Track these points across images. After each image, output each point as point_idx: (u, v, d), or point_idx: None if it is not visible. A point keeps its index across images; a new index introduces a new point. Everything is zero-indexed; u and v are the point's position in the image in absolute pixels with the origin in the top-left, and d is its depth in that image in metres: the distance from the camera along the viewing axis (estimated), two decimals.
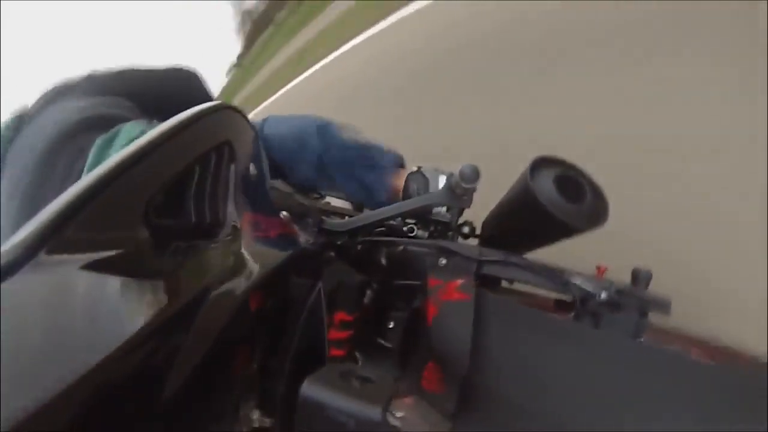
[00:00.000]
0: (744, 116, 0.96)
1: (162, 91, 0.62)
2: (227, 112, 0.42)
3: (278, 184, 0.74)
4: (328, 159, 0.66)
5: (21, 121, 0.54)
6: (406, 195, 0.64)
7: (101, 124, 0.51)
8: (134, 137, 0.49)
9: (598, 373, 0.36)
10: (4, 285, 0.22)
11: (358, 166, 0.66)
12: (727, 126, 0.99)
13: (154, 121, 0.53)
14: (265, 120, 0.70)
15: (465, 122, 1.80)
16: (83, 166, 0.48)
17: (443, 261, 0.49)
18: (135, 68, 0.65)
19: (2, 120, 0.55)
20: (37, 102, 0.56)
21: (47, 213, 0.26)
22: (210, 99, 0.73)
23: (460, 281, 0.44)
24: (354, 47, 4.12)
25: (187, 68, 0.69)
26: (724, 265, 0.87)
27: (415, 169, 0.65)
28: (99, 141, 0.49)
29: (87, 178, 0.28)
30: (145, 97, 0.59)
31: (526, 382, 0.38)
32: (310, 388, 0.32)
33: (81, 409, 0.23)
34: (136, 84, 0.62)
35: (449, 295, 0.43)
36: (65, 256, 0.26)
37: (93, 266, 0.27)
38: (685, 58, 1.16)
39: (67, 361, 0.23)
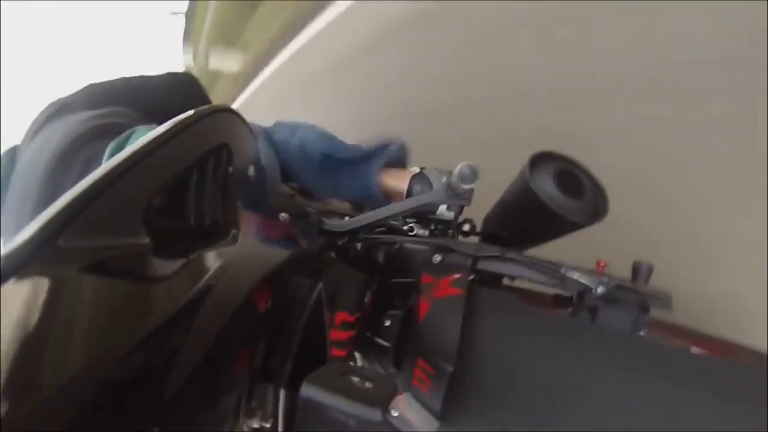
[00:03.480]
0: (745, 111, 0.95)
1: (160, 97, 0.62)
2: (224, 115, 0.42)
3: (282, 185, 0.74)
4: (327, 163, 0.67)
5: (17, 148, 0.54)
6: (410, 196, 0.64)
7: (108, 133, 0.51)
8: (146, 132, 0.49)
9: (594, 369, 0.36)
10: (4, 286, 0.22)
11: (354, 167, 0.66)
12: (729, 120, 0.98)
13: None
14: (274, 124, 0.71)
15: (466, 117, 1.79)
16: None
17: (438, 258, 0.49)
18: (131, 77, 0.65)
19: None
20: (35, 122, 0.56)
21: (46, 216, 0.26)
22: (206, 101, 0.74)
23: (453, 277, 0.44)
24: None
25: (182, 73, 0.69)
26: (725, 259, 0.86)
27: (417, 170, 0.65)
28: (112, 144, 0.49)
29: (83, 183, 0.28)
30: (144, 104, 0.59)
31: (520, 378, 0.38)
32: (310, 389, 0.32)
33: (81, 407, 0.24)
34: (135, 92, 0.63)
35: (442, 291, 0.43)
36: (65, 258, 0.26)
37: (92, 267, 0.28)
38: (687, 54, 1.15)
39: (67, 361, 0.24)
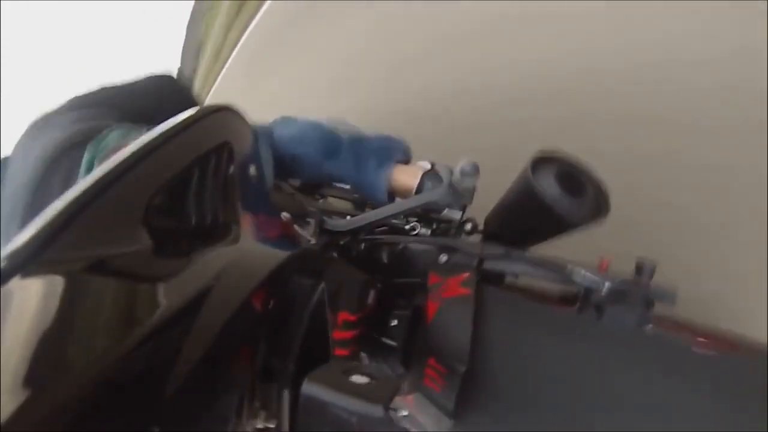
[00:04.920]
0: (745, 109, 0.95)
1: (144, 101, 0.63)
2: (226, 113, 0.43)
3: (282, 184, 0.75)
4: (331, 160, 0.66)
5: (7, 159, 0.55)
6: (419, 193, 0.63)
7: (89, 137, 0.51)
8: (120, 136, 0.50)
9: (602, 365, 0.36)
10: (4, 288, 0.22)
11: (362, 163, 0.65)
12: (729, 118, 0.98)
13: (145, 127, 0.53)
14: (274, 121, 0.71)
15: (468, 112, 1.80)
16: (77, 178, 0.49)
17: (444, 258, 0.49)
18: (113, 84, 0.66)
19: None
20: (23, 136, 0.57)
21: (46, 216, 0.26)
22: (192, 98, 0.74)
23: (461, 277, 0.44)
24: None
25: (163, 75, 0.69)
26: (726, 255, 0.86)
27: (429, 167, 0.64)
28: (90, 147, 0.50)
29: (85, 181, 0.28)
30: (129, 109, 0.60)
31: (529, 376, 0.38)
32: (311, 387, 0.31)
33: (81, 407, 0.23)
34: (118, 98, 0.63)
35: (450, 291, 0.43)
36: (65, 258, 0.26)
37: (92, 268, 0.28)
38: (688, 52, 1.16)
39: (67, 360, 0.24)
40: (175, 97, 0.69)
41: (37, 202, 0.49)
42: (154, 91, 0.67)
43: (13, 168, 0.53)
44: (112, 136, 0.50)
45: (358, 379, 0.32)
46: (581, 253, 0.51)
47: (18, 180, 0.51)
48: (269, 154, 0.64)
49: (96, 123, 0.54)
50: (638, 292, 0.38)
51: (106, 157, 0.49)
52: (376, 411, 0.29)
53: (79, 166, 0.49)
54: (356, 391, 0.31)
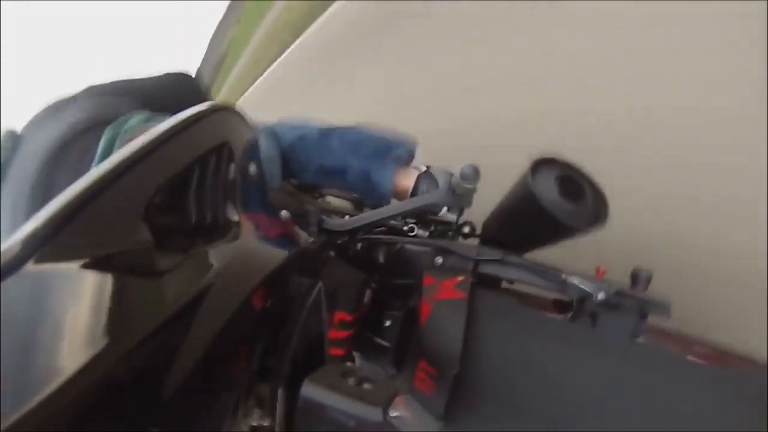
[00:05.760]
0: (744, 115, 0.95)
1: (158, 97, 0.62)
2: (225, 113, 0.42)
3: (283, 183, 0.74)
4: (329, 159, 0.66)
5: (18, 137, 0.54)
6: (415, 195, 0.63)
7: (108, 120, 0.51)
8: (142, 120, 0.49)
9: (593, 372, 0.36)
10: (3, 284, 0.22)
11: (360, 162, 0.65)
12: (728, 125, 0.99)
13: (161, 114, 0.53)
14: (278, 122, 0.71)
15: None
16: (91, 163, 0.48)
17: (440, 260, 0.49)
18: (130, 78, 0.65)
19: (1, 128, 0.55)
20: (36, 116, 0.56)
21: (47, 213, 0.26)
22: (204, 99, 0.74)
23: (456, 280, 0.44)
24: None
25: (180, 72, 0.69)
26: (724, 267, 0.86)
27: (424, 169, 0.65)
28: (108, 130, 0.49)
29: (85, 179, 0.28)
30: (143, 104, 0.59)
31: (520, 381, 0.39)
32: (310, 389, 0.32)
33: (81, 407, 0.24)
34: (133, 92, 0.63)
35: (445, 293, 0.43)
36: (65, 255, 0.26)
37: (92, 265, 0.27)
38: (687, 58, 1.16)
39: (67, 360, 0.24)
40: (191, 95, 0.69)
41: (48, 186, 0.49)
42: (170, 89, 0.67)
43: (26, 149, 0.53)
44: (135, 119, 0.50)
45: (357, 382, 0.32)
46: (579, 258, 0.51)
47: (31, 161, 0.50)
48: (277, 154, 0.63)
49: (116, 107, 0.54)
50: (632, 302, 0.39)
51: (131, 136, 0.49)
52: (376, 415, 0.30)
53: (91, 149, 0.49)
54: (355, 394, 0.31)
